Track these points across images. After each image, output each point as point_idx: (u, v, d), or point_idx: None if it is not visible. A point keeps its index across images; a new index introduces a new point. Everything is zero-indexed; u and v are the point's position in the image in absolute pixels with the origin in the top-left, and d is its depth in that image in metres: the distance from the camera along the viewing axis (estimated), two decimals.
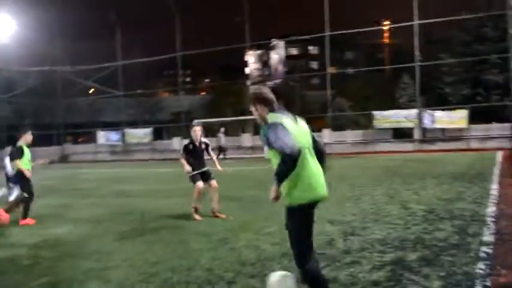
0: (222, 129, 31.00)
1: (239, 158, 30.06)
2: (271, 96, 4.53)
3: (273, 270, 5.75)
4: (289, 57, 79.67)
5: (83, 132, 49.62)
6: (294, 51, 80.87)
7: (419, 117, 29.93)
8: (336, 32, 34.80)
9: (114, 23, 40.64)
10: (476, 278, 5.18)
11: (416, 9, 30.61)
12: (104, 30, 44.79)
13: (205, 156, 10.21)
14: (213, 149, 10.89)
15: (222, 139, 30.45)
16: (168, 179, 19.07)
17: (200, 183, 9.73)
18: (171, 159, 34.29)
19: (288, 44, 78.74)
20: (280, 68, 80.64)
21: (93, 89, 49.60)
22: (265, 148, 4.81)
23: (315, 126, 37.90)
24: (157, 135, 41.21)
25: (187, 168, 9.83)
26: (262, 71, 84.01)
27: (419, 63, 32.16)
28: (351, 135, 33.25)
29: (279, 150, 3.99)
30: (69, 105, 45.95)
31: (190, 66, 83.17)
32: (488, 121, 30.59)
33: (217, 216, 9.63)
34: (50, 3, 39.01)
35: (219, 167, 10.28)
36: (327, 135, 32.74)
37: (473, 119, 29.81)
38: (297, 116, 4.56)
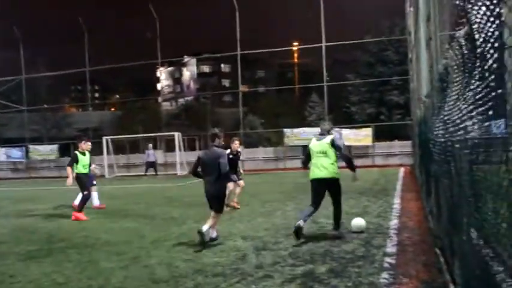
0: (150, 145, 30.27)
1: (151, 175, 29.53)
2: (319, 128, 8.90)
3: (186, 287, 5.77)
4: (201, 75, 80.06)
5: None
6: (206, 68, 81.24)
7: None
8: (247, 51, 35.38)
9: (18, 36, 38.75)
10: (380, 287, 5.47)
11: (324, 31, 31.83)
12: (7, 42, 42.70)
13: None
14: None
15: (151, 155, 29.65)
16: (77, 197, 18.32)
17: (230, 184, 12.08)
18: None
19: (200, 62, 79.16)
20: (192, 85, 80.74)
21: None
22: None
23: (227, 143, 38.21)
24: (65, 151, 39.52)
25: None
26: (174, 88, 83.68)
27: (327, 83, 33.38)
28: (263, 152, 33.74)
29: None
30: None
31: (99, 82, 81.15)
32: (391, 139, 32.25)
33: (234, 206, 12.52)
34: None
35: (241, 170, 13.68)
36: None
37: (377, 136, 31.30)
38: (324, 136, 8.54)
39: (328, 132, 8.58)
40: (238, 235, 8.89)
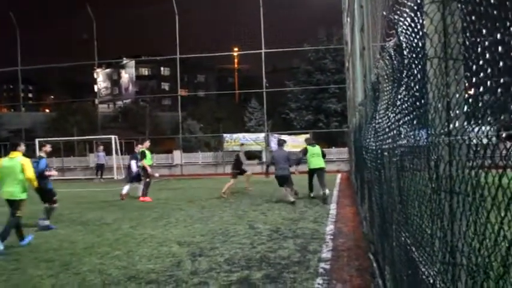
0: (101, 147, 29.12)
1: (87, 179, 28.74)
2: (310, 139, 18.37)
3: None
4: (140, 78, 78.77)
5: None
6: (145, 71, 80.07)
7: (267, 141, 31.17)
8: (187, 55, 35.13)
9: None
10: None
11: (263, 38, 32.07)
12: None
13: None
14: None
15: (102, 157, 28.47)
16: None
17: (232, 180, 16.80)
18: None
19: (140, 64, 77.93)
20: (131, 88, 79.36)
21: None
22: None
23: (166, 147, 37.82)
24: None
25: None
26: (112, 90, 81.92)
27: (266, 89, 33.64)
28: (202, 157, 33.54)
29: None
30: None
31: (33, 82, 78.36)
32: (328, 145, 32.82)
33: (246, 188, 17.89)
34: None
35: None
36: (177, 157, 32.72)
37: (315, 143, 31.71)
38: (315, 144, 15.52)
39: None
40: (174, 241, 8.77)
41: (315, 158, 14.79)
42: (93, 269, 6.93)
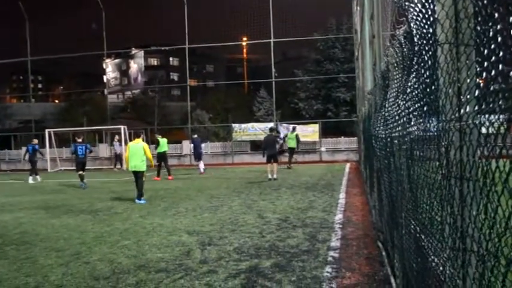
0: (117, 137, 29.55)
1: (96, 169, 28.89)
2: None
3: (128, 284, 5.68)
4: (149, 68, 78.78)
5: None
6: (154, 61, 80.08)
7: (276, 130, 31.08)
8: (195, 45, 35.10)
9: None
10: (323, 281, 5.55)
11: (272, 27, 31.94)
12: None
13: None
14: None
15: (118, 148, 29.04)
16: (16, 191, 17.72)
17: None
18: (21, 170, 32.02)
19: (148, 54, 77.93)
20: (140, 78, 79.42)
21: None
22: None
23: (175, 137, 37.88)
24: (4, 144, 38.01)
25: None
26: (121, 80, 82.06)
27: (275, 79, 33.55)
28: (211, 147, 33.58)
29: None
30: None
31: (43, 72, 78.80)
32: (337, 135, 32.73)
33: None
34: None
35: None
36: (186, 147, 32.78)
37: (324, 133, 31.71)
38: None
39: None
40: (183, 230, 8.82)
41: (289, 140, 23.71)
42: (103, 258, 6.98)
